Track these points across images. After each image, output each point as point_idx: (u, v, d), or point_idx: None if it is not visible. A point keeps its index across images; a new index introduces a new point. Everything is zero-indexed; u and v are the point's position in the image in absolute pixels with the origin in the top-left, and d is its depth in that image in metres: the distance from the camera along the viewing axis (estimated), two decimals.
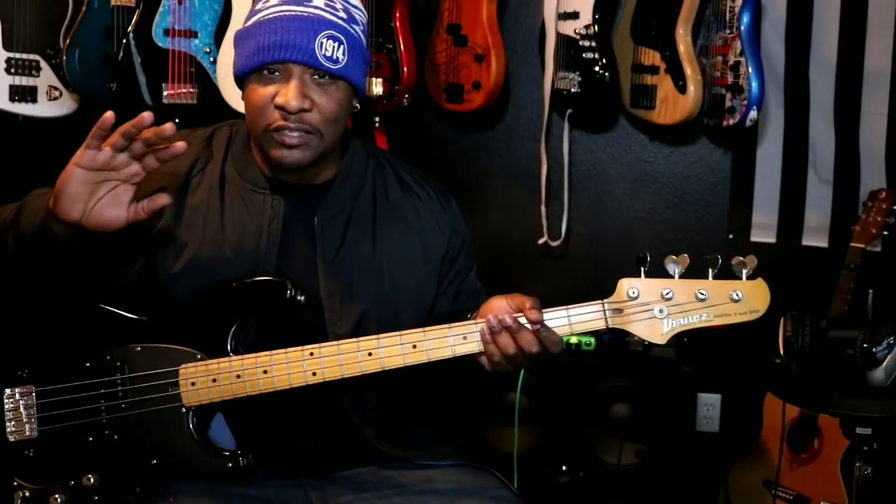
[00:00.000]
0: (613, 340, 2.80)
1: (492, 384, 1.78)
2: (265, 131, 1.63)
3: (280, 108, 1.60)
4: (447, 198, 1.86)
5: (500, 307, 1.60)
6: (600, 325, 1.60)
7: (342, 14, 1.64)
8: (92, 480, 1.65)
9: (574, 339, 2.73)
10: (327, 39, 1.60)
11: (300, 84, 1.60)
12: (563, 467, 2.70)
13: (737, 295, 1.55)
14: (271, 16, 1.61)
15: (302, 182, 1.73)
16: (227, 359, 1.63)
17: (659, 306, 1.57)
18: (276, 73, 1.61)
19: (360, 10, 1.71)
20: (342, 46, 1.61)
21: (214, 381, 1.63)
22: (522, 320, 1.57)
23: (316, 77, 1.62)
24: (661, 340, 1.58)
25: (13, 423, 1.68)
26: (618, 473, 2.67)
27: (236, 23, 2.67)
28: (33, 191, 1.71)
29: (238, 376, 1.62)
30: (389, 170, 1.83)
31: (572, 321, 1.60)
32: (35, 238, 1.59)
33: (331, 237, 1.72)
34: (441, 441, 1.85)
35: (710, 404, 2.75)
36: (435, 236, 1.81)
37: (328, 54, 1.60)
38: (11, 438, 1.67)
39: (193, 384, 1.64)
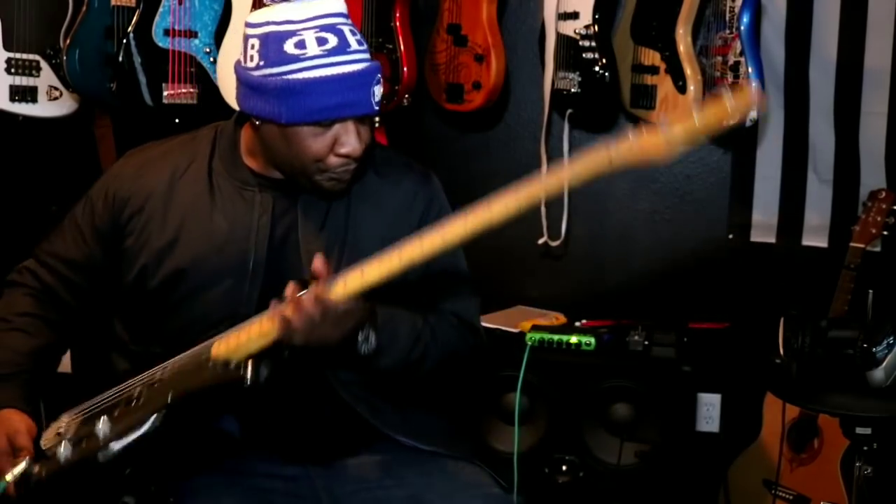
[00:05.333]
0: (613, 340, 2.80)
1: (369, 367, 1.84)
2: (322, 172, 1.73)
3: (345, 156, 1.70)
4: (425, 177, 1.94)
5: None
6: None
7: (364, 45, 1.71)
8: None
9: (574, 339, 2.73)
10: (376, 86, 1.71)
11: (358, 131, 1.71)
12: (563, 467, 2.70)
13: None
14: (326, 74, 1.64)
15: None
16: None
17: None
18: (330, 123, 1.68)
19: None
20: (381, 83, 1.72)
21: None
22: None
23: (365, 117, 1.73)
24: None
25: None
26: (618, 473, 2.67)
27: (236, 23, 2.67)
28: None
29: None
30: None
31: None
32: None
33: (313, 222, 1.79)
34: (438, 429, 1.90)
35: (710, 404, 2.74)
36: (406, 213, 1.86)
37: (377, 98, 1.71)
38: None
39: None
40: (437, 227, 1.57)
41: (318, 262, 1.57)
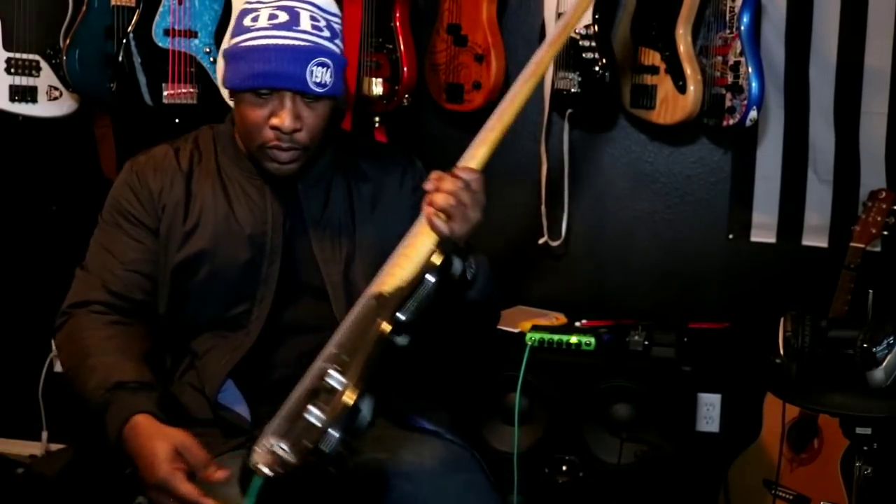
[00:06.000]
0: (613, 340, 2.80)
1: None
2: (259, 147, 1.81)
3: (275, 128, 1.78)
4: (411, 158, 2.05)
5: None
6: None
7: (326, 33, 1.79)
8: None
9: (574, 339, 2.73)
10: (317, 67, 1.76)
11: (293, 106, 1.77)
12: (563, 467, 2.70)
13: None
14: (263, 43, 1.76)
15: None
16: None
17: None
18: (269, 95, 1.77)
19: (337, 14, 1.85)
20: (329, 69, 1.78)
21: None
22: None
23: (306, 98, 1.79)
24: None
25: None
26: (618, 473, 2.67)
27: None
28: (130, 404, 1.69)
29: None
30: (356, 145, 2.04)
31: None
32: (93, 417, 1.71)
33: (315, 203, 1.91)
34: (442, 414, 1.96)
35: (710, 404, 2.75)
36: (398, 189, 1.97)
37: (318, 80, 1.76)
38: None
39: None
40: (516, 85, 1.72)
41: (429, 184, 1.63)
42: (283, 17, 1.76)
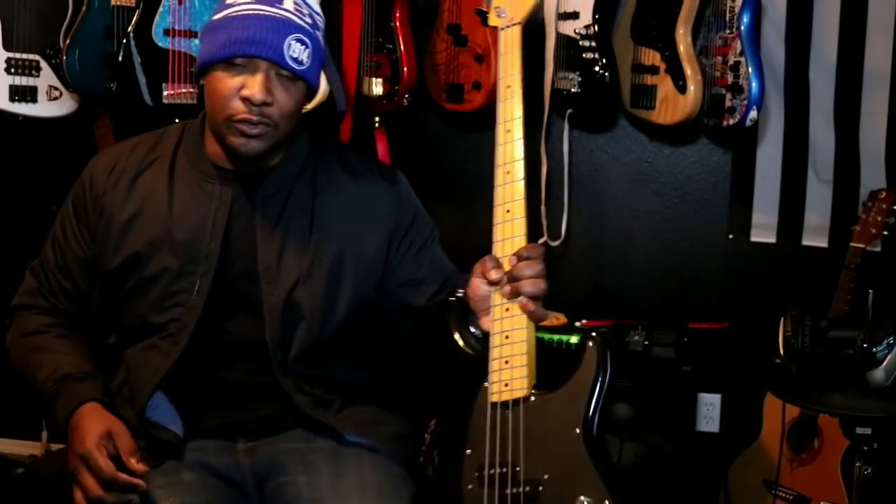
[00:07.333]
0: (613, 340, 2.80)
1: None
2: (227, 120, 1.74)
3: (245, 99, 1.71)
4: (392, 175, 1.98)
5: (477, 285, 1.69)
6: None
7: (308, 19, 1.78)
8: None
9: (574, 339, 2.73)
10: (295, 41, 1.73)
11: (266, 79, 1.72)
12: None
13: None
14: (244, 13, 1.72)
15: (248, 168, 1.84)
16: None
17: None
18: (243, 67, 1.72)
19: (322, 17, 1.85)
20: (307, 50, 1.75)
21: None
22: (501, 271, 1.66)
23: (280, 75, 1.73)
24: None
25: None
26: (618, 473, 2.67)
27: None
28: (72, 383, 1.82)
29: None
30: (333, 154, 1.95)
31: None
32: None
33: (270, 214, 1.84)
34: (385, 425, 1.92)
35: (710, 404, 2.75)
36: (377, 211, 1.91)
37: (294, 55, 1.73)
38: None
39: None
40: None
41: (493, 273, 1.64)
42: None
